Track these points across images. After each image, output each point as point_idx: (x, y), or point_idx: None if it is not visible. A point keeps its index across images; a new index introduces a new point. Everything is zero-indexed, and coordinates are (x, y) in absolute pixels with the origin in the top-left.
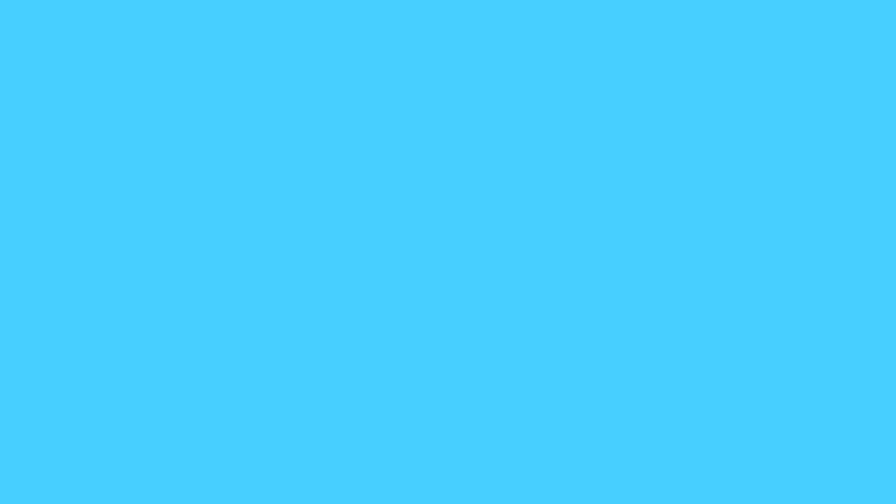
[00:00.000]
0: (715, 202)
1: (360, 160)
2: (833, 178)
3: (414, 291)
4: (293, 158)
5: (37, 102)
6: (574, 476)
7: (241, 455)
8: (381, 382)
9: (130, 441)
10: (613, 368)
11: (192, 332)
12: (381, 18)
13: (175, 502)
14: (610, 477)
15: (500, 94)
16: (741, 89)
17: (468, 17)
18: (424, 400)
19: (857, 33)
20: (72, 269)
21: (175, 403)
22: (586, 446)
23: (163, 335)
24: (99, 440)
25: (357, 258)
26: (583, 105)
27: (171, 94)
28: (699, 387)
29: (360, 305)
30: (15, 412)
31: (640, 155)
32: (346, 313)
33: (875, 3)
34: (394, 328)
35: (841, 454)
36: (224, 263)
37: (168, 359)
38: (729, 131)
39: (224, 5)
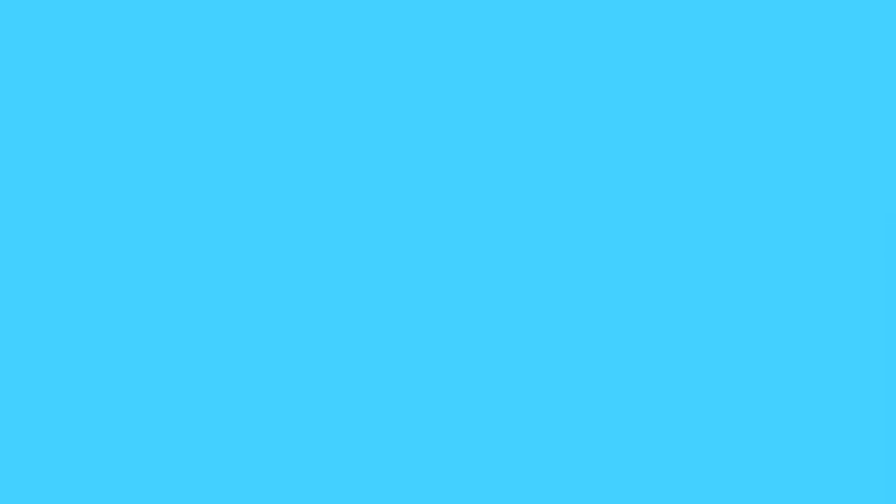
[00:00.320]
0: (715, 202)
1: (361, 160)
2: (833, 178)
3: (414, 291)
4: (293, 158)
5: (37, 102)
6: (574, 476)
7: (242, 455)
8: (381, 382)
9: (130, 441)
10: (613, 368)
11: (192, 331)
12: (381, 18)
13: (175, 502)
14: (610, 477)
15: (500, 94)
16: (741, 89)
17: (468, 18)
18: (424, 400)
19: (857, 33)
20: (72, 269)
21: (175, 403)
22: (586, 446)
23: (163, 335)
24: (99, 440)
25: (357, 258)
26: (583, 105)
27: (170, 94)
28: (699, 387)
29: (360, 305)
30: (15, 412)
31: (641, 155)
32: (346, 313)
33: (875, 3)
34: (394, 328)
35: (841, 454)
36: (224, 263)
37: (168, 359)
38: (729, 131)
39: (224, 5)
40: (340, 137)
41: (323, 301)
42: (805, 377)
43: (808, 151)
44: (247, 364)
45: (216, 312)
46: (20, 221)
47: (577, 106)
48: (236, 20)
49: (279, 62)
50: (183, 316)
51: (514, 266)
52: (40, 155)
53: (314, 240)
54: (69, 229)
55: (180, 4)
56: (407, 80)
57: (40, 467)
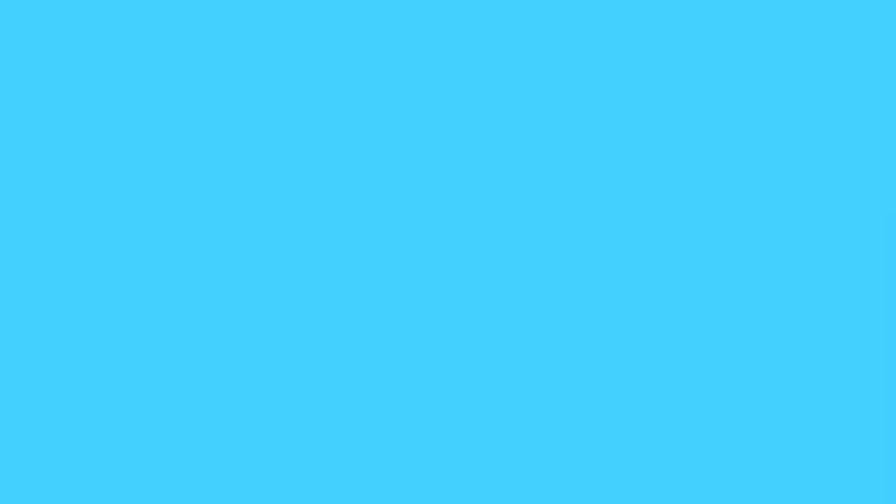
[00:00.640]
0: (715, 202)
1: (361, 160)
2: (833, 178)
3: (414, 291)
4: (293, 158)
5: (37, 102)
6: (574, 476)
7: (242, 455)
8: (382, 382)
9: (130, 441)
10: (613, 368)
11: (192, 331)
12: (381, 18)
13: (175, 502)
14: (610, 477)
15: (500, 94)
16: (741, 89)
17: (468, 18)
18: (424, 400)
19: (857, 33)
20: (72, 269)
21: (175, 403)
22: (586, 446)
23: (163, 335)
24: (99, 440)
25: (357, 258)
26: (583, 105)
27: (170, 94)
28: (699, 387)
29: (360, 305)
30: (15, 412)
31: (641, 155)
32: (346, 313)
33: (875, 3)
34: (394, 328)
35: (841, 454)
36: (224, 263)
37: (168, 359)
38: (729, 131)
39: (224, 5)
40: (340, 137)
41: (323, 301)
42: (805, 377)
43: (809, 151)
44: (247, 364)
45: (216, 312)
46: (20, 221)
47: (577, 106)
48: (236, 20)
49: (279, 62)
50: (183, 316)
51: (514, 266)
52: (40, 155)
53: (314, 240)
54: (69, 229)
55: (180, 4)
56: (407, 80)
57: (40, 467)
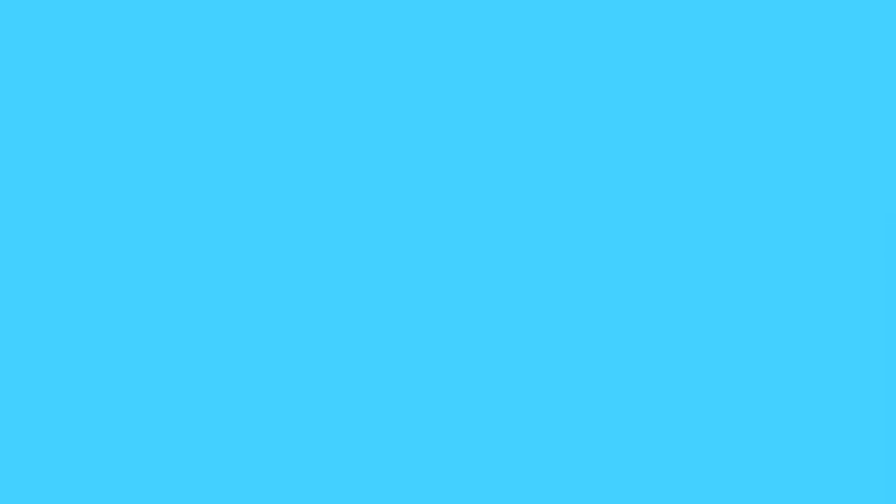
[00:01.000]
0: (715, 202)
1: (361, 160)
2: (833, 178)
3: (414, 291)
4: (293, 158)
5: (37, 102)
6: (574, 476)
7: (242, 455)
8: (382, 382)
9: (130, 441)
10: (613, 368)
11: (192, 331)
12: (381, 18)
13: (175, 502)
14: (610, 477)
15: (500, 94)
16: (741, 89)
17: (468, 18)
18: (424, 400)
19: (857, 33)
20: (72, 269)
21: (175, 403)
22: (586, 446)
23: (163, 335)
24: (99, 440)
25: (357, 258)
26: (583, 105)
27: (171, 94)
28: (699, 387)
29: (360, 305)
30: (15, 412)
31: (641, 155)
32: (347, 313)
33: (875, 3)
34: (394, 328)
35: (841, 454)
36: (224, 263)
37: (168, 359)
38: (729, 131)
39: (224, 5)
40: (340, 137)
41: (323, 301)
42: (805, 377)
43: (809, 151)
44: (247, 364)
45: (216, 312)
46: (20, 221)
47: (577, 106)
48: (236, 20)
49: (279, 62)
50: (183, 315)
51: (514, 266)
52: (40, 155)
53: (314, 240)
54: (69, 229)
55: (180, 4)
56: (407, 80)
57: (40, 467)
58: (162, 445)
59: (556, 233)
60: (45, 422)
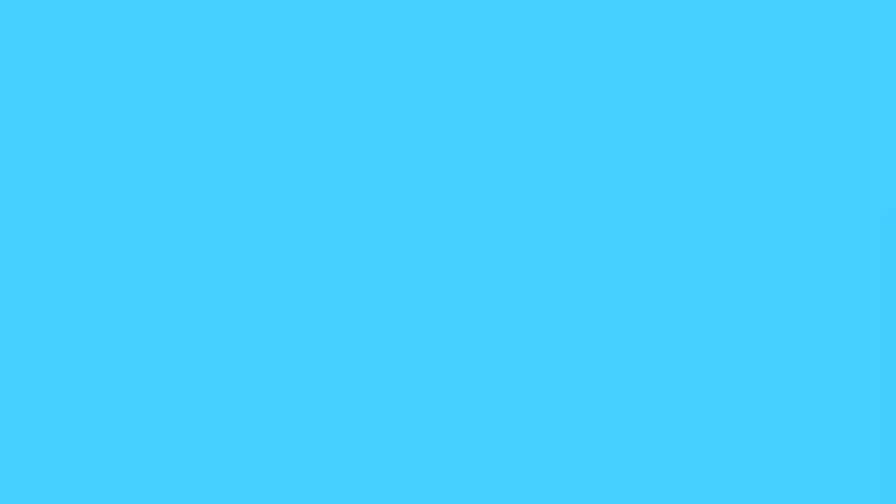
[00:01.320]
0: (715, 202)
1: (361, 160)
2: (833, 178)
3: (414, 292)
4: (293, 158)
5: (37, 102)
6: (574, 476)
7: (242, 455)
8: (382, 382)
9: (130, 441)
10: (613, 368)
11: (192, 332)
12: (381, 18)
13: (175, 502)
14: (610, 477)
15: (500, 94)
16: (741, 89)
17: (468, 18)
18: (424, 400)
19: (857, 33)
20: (72, 269)
21: (175, 403)
22: (586, 446)
23: (163, 335)
24: (99, 440)
25: (357, 258)
26: (583, 105)
27: (171, 94)
28: (699, 387)
29: (360, 305)
30: (15, 412)
31: (641, 155)
32: (347, 313)
33: (875, 3)
34: (394, 328)
35: (841, 454)
36: (224, 263)
37: (168, 359)
38: (729, 131)
39: (224, 5)
40: (340, 137)
41: (323, 301)
42: (805, 377)
43: (809, 151)
44: (247, 364)
45: (216, 312)
46: (20, 221)
47: (577, 106)
48: (236, 20)
49: (279, 62)
50: (183, 316)
51: (514, 266)
52: (40, 155)
53: (314, 240)
54: (69, 229)
55: (180, 4)
56: (407, 80)
57: (40, 467)
58: (162, 445)
59: (556, 233)
60: (45, 422)
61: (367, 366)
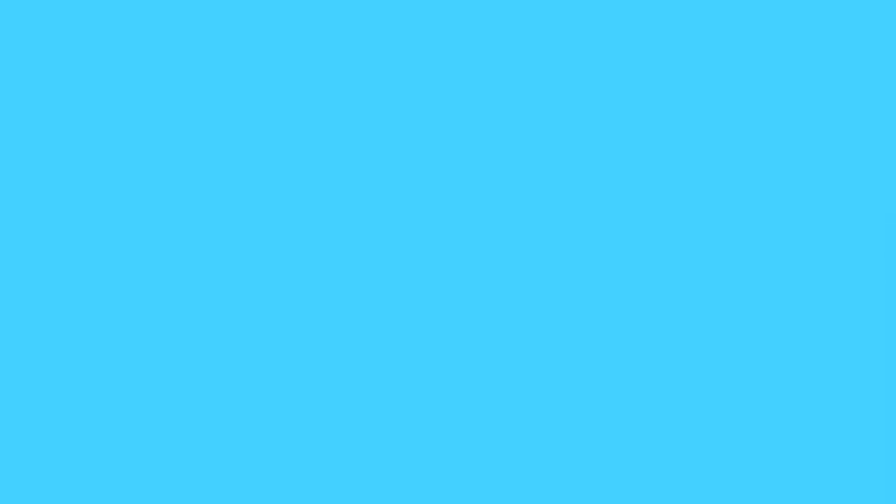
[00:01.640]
0: (715, 202)
1: (361, 160)
2: (833, 178)
3: (414, 292)
4: (293, 158)
5: (37, 102)
6: (574, 476)
7: (242, 455)
8: (382, 382)
9: (130, 441)
10: (613, 368)
11: (192, 332)
12: (381, 18)
13: (175, 502)
14: (610, 477)
15: (500, 94)
16: (741, 89)
17: (468, 18)
18: (424, 400)
19: (857, 33)
20: (72, 269)
21: (175, 403)
22: (586, 446)
23: (163, 335)
24: (99, 440)
25: (357, 258)
26: (583, 105)
27: (171, 94)
28: (699, 387)
29: (361, 305)
30: (15, 412)
31: (641, 155)
32: (347, 313)
33: (875, 3)
34: (394, 328)
35: (841, 454)
36: (224, 263)
37: (168, 359)
38: (729, 131)
39: (224, 5)
40: (340, 137)
41: (323, 301)
42: (805, 377)
43: (808, 151)
44: (247, 364)
45: (216, 312)
46: (20, 221)
47: (577, 106)
48: (236, 20)
49: (279, 62)
50: (183, 316)
51: (514, 266)
52: (40, 155)
53: (314, 240)
54: (69, 229)
55: (180, 4)
56: (407, 80)
57: (40, 467)
58: (162, 445)
59: (557, 232)
60: (46, 422)
61: (368, 366)
